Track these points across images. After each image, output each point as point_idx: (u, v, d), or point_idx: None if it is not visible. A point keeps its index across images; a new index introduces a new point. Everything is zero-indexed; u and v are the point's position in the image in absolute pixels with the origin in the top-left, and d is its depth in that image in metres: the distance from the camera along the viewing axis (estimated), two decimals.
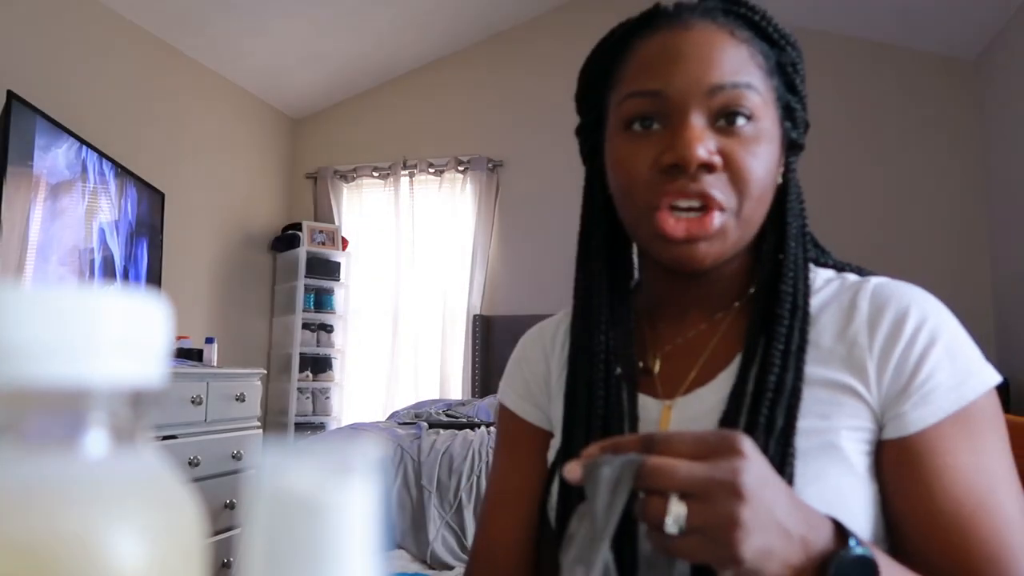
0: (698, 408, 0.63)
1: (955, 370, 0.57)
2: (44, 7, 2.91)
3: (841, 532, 0.47)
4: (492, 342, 4.13)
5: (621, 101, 0.63)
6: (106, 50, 3.24)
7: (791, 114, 0.66)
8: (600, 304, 0.68)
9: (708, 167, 0.58)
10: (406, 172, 4.51)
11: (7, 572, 0.16)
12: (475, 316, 4.18)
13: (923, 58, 3.83)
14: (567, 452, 0.65)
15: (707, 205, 0.59)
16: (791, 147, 0.67)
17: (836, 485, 0.56)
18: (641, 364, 0.68)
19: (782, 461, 0.55)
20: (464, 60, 4.54)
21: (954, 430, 0.56)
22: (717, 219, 0.59)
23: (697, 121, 0.59)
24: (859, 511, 0.56)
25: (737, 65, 0.60)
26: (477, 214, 4.34)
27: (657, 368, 0.68)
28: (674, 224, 0.59)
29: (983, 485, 0.56)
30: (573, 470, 0.46)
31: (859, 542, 0.47)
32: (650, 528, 0.44)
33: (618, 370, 0.66)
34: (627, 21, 0.67)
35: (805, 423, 0.57)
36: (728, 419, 0.59)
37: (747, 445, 0.44)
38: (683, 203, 0.59)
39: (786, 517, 0.44)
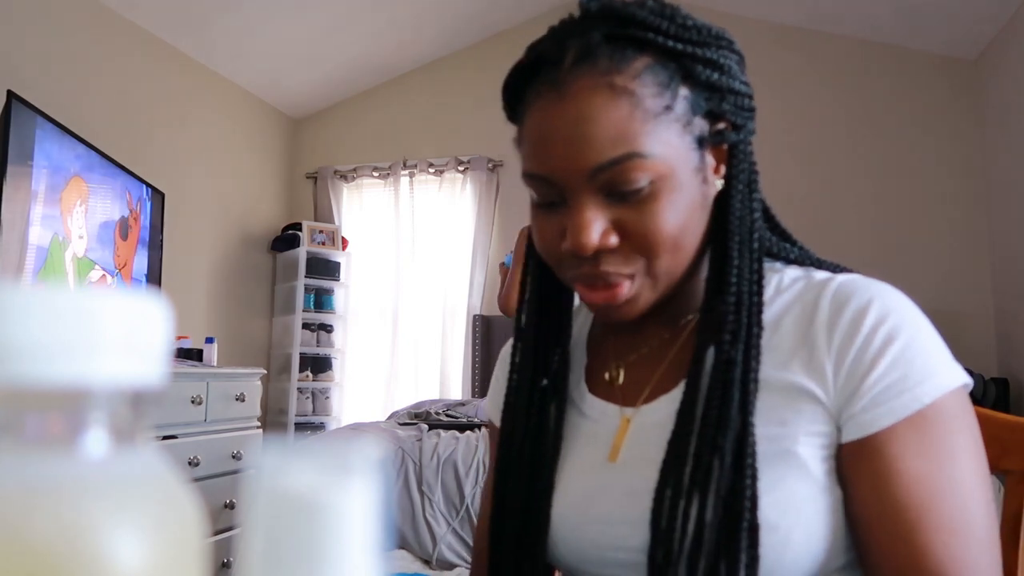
0: (654, 418, 0.63)
1: (911, 371, 0.55)
2: (44, 7, 2.90)
3: None
4: (492, 342, 4.13)
5: (523, 175, 0.62)
6: (106, 50, 3.24)
7: (720, 116, 0.60)
8: (529, 324, 0.69)
9: (604, 248, 0.58)
10: (406, 172, 4.51)
11: (7, 572, 0.16)
12: (475, 316, 4.18)
13: (923, 58, 3.83)
14: (498, 469, 0.67)
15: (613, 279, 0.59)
16: (733, 145, 0.61)
17: (793, 492, 0.54)
18: (607, 375, 0.69)
19: (738, 478, 0.54)
20: (464, 60, 4.54)
21: (908, 434, 0.54)
22: (626, 288, 0.59)
23: (588, 203, 0.57)
24: (815, 519, 0.55)
25: (616, 132, 0.55)
26: (477, 214, 4.34)
27: (621, 378, 0.68)
28: (589, 294, 0.60)
29: (930, 492, 0.53)
30: None
31: None
32: None
33: (544, 382, 0.66)
34: (514, 69, 0.61)
35: (764, 430, 0.56)
36: (677, 440, 0.58)
37: None
38: (590, 280, 0.60)
39: None
